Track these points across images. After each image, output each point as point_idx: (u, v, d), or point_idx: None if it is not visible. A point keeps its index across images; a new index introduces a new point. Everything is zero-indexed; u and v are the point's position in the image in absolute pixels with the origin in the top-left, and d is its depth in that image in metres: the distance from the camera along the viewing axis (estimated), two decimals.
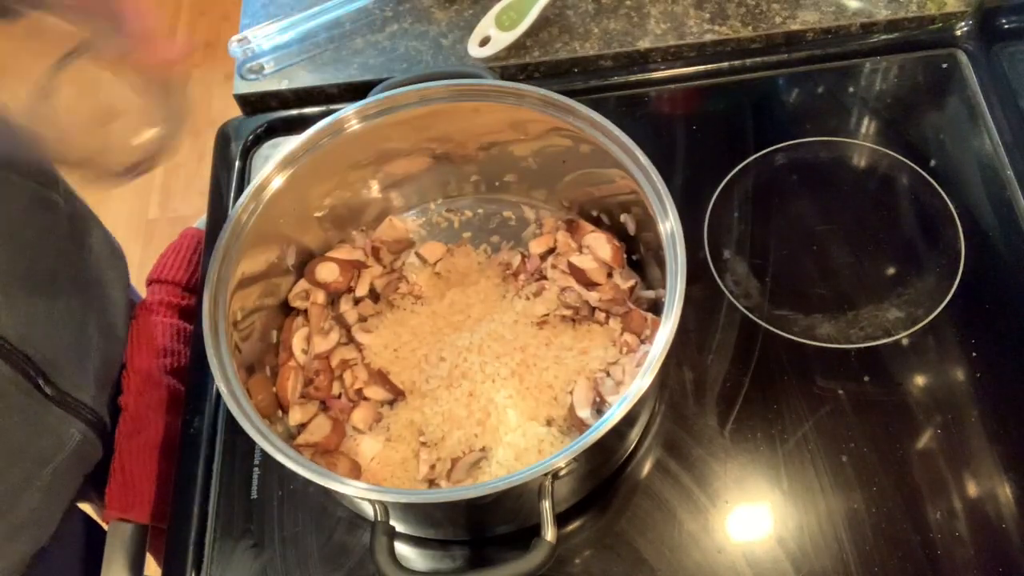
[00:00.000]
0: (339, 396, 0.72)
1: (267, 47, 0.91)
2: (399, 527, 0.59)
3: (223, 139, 0.89)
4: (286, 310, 0.75)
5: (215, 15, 2.24)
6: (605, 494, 0.69)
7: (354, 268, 0.76)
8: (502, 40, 0.87)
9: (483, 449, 0.67)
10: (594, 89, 0.89)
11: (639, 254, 0.74)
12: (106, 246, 0.77)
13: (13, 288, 0.62)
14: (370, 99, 0.70)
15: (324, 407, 0.71)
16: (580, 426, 0.67)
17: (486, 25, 0.88)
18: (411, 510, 0.61)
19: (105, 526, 0.73)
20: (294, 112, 0.90)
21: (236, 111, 0.92)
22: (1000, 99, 0.85)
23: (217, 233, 0.65)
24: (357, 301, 0.75)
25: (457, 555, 0.68)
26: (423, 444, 0.68)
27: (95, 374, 0.71)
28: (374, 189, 0.77)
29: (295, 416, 0.69)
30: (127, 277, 0.81)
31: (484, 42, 0.88)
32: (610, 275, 0.73)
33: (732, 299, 0.76)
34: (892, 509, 0.67)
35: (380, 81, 0.75)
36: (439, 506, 0.58)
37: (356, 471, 0.67)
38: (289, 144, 0.69)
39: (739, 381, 0.72)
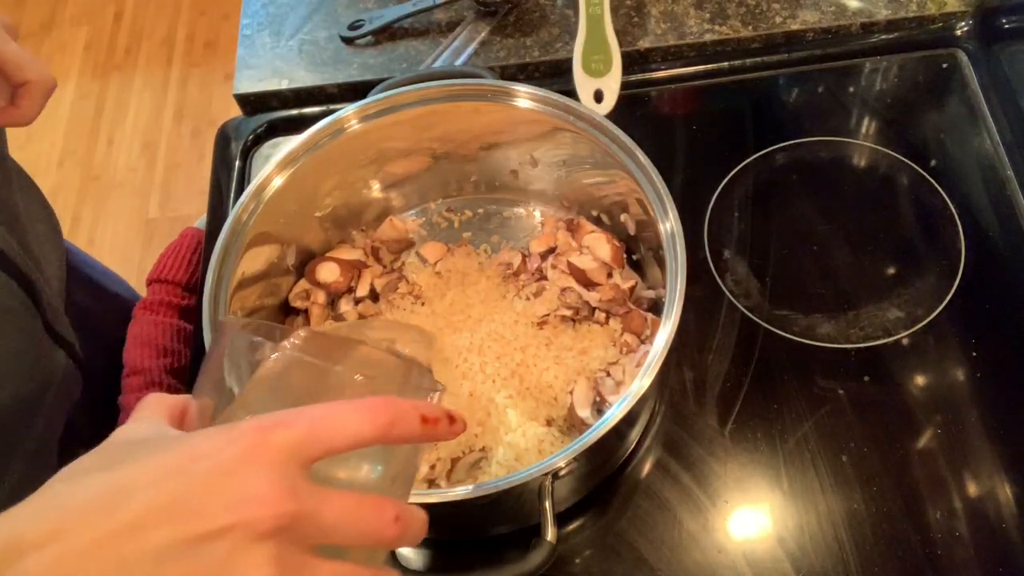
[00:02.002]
0: None
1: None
2: None
3: (223, 139, 0.89)
4: (286, 310, 0.75)
5: (215, 15, 2.24)
6: (605, 494, 0.69)
7: (354, 268, 0.76)
8: (612, 87, 0.82)
9: (483, 449, 0.67)
10: None
11: (639, 254, 0.74)
12: (30, 193, 0.77)
13: None
14: (370, 99, 0.70)
15: None
16: (580, 426, 0.67)
17: (586, 82, 0.82)
18: None
19: None
20: (294, 112, 0.90)
21: (236, 111, 0.92)
22: (1000, 99, 0.85)
23: (217, 233, 0.65)
24: (357, 301, 0.75)
25: (457, 555, 0.68)
26: None
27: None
28: (374, 189, 0.77)
29: None
30: (57, 229, 0.79)
31: (599, 97, 0.82)
32: (610, 275, 0.73)
33: (732, 299, 0.76)
34: (892, 509, 0.67)
35: (380, 81, 0.75)
36: (439, 506, 0.58)
37: None
38: (289, 144, 0.69)
39: (739, 381, 0.72)
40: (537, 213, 0.79)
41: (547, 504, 0.56)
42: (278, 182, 0.68)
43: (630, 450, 0.69)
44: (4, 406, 0.61)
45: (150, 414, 0.40)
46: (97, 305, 0.85)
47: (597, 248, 0.73)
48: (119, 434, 0.38)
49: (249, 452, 0.34)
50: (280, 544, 0.33)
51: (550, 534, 0.55)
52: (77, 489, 0.33)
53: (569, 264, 0.72)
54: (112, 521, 0.32)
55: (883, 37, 0.90)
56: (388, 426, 0.36)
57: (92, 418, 0.78)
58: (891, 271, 0.77)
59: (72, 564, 0.32)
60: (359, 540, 0.36)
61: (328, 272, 0.74)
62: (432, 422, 0.38)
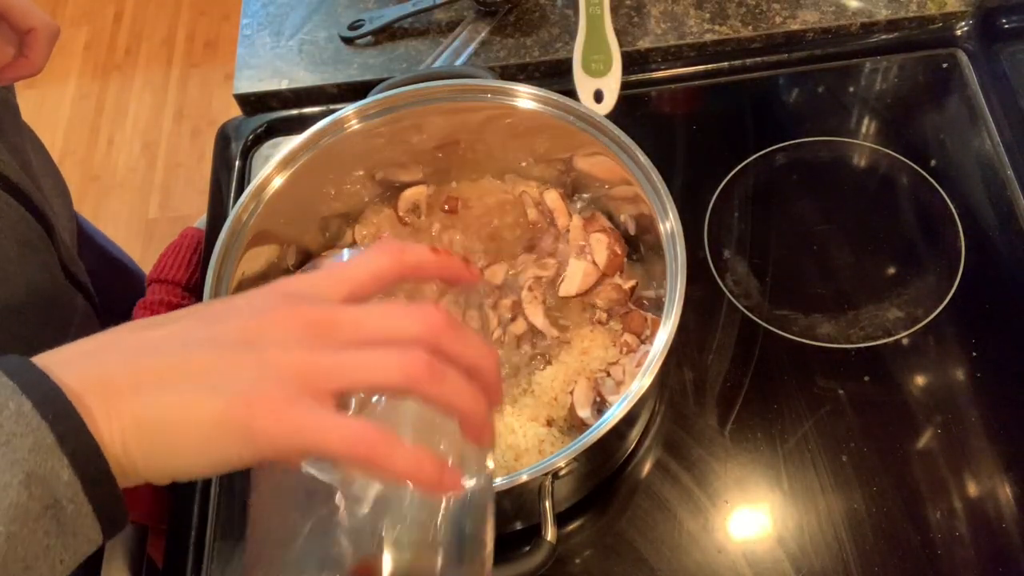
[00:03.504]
0: None
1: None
2: None
3: (223, 139, 0.89)
4: None
5: (215, 15, 2.24)
6: (605, 494, 0.69)
7: None
8: (612, 87, 0.83)
9: None
10: None
11: (639, 254, 0.74)
12: (40, 153, 0.78)
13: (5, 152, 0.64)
14: (370, 99, 0.70)
15: None
16: (580, 426, 0.67)
17: (586, 82, 0.83)
18: None
19: None
20: (294, 112, 0.90)
21: (236, 111, 0.92)
22: (1000, 99, 0.85)
23: (217, 233, 0.65)
24: None
25: None
26: None
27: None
28: (374, 189, 0.77)
29: None
30: (66, 189, 0.80)
31: (599, 97, 0.83)
32: (603, 278, 0.72)
33: (732, 299, 0.76)
34: (892, 509, 0.67)
35: (380, 81, 0.75)
36: None
37: None
38: (289, 144, 0.68)
39: (739, 381, 0.72)
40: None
41: (547, 504, 0.56)
42: (278, 182, 0.68)
43: (630, 450, 0.69)
44: (26, 339, 0.61)
45: None
46: (105, 268, 0.85)
47: (596, 250, 0.73)
48: None
49: (276, 291, 0.36)
50: (304, 348, 0.34)
51: (550, 534, 0.55)
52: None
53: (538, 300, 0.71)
54: (150, 324, 0.36)
55: (883, 37, 0.90)
56: (399, 253, 0.38)
57: None
58: (891, 271, 0.77)
59: (105, 345, 0.35)
60: (403, 323, 0.35)
61: None
62: (443, 253, 0.39)
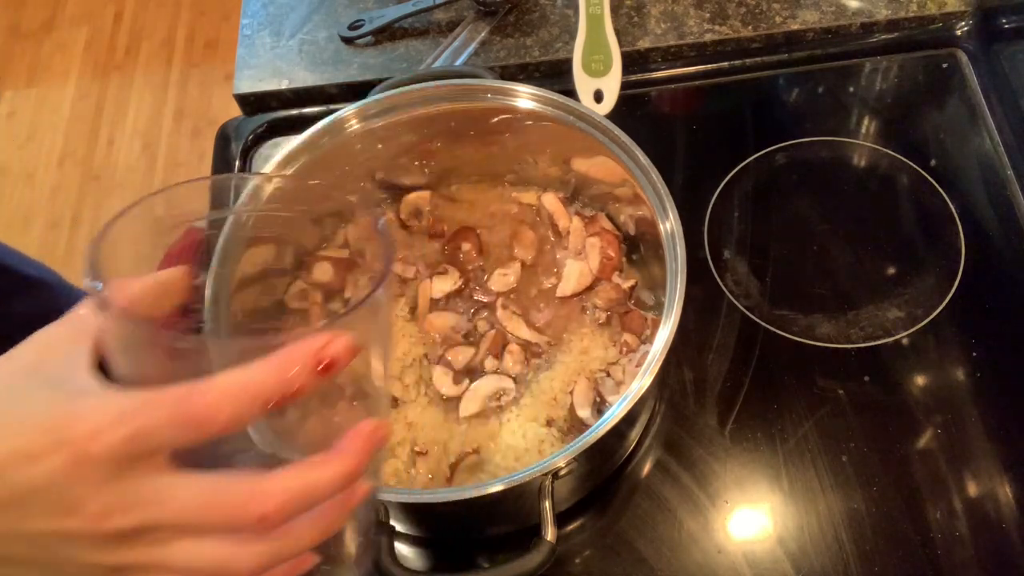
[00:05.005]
0: None
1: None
2: (399, 527, 0.59)
3: (223, 139, 0.89)
4: (286, 309, 0.75)
5: (215, 15, 2.24)
6: (605, 494, 0.69)
7: (348, 266, 0.75)
8: (612, 87, 0.82)
9: (477, 451, 0.67)
10: None
11: (639, 254, 0.74)
12: None
13: None
14: (370, 99, 0.70)
15: None
16: (580, 426, 0.67)
17: (586, 82, 0.83)
18: (411, 510, 0.61)
19: None
20: (294, 112, 0.90)
21: (236, 111, 0.92)
22: (1000, 99, 0.85)
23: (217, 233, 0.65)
24: (346, 301, 0.75)
25: (457, 555, 0.68)
26: (419, 453, 0.68)
27: None
28: (374, 189, 0.77)
29: None
30: None
31: (599, 97, 0.83)
32: (598, 280, 0.72)
33: (732, 299, 0.76)
34: (892, 509, 0.67)
35: (380, 81, 0.75)
36: (439, 506, 0.58)
37: None
38: (289, 144, 0.68)
39: (739, 381, 0.72)
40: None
41: (547, 504, 0.56)
42: (278, 182, 0.68)
43: (630, 450, 0.69)
44: None
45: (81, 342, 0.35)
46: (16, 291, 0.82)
47: (590, 255, 0.73)
48: (28, 352, 0.35)
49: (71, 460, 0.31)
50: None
51: (550, 534, 0.55)
52: None
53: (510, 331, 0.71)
54: None
55: (883, 37, 0.90)
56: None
57: None
58: (891, 271, 0.77)
59: None
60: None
61: (322, 271, 0.74)
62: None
